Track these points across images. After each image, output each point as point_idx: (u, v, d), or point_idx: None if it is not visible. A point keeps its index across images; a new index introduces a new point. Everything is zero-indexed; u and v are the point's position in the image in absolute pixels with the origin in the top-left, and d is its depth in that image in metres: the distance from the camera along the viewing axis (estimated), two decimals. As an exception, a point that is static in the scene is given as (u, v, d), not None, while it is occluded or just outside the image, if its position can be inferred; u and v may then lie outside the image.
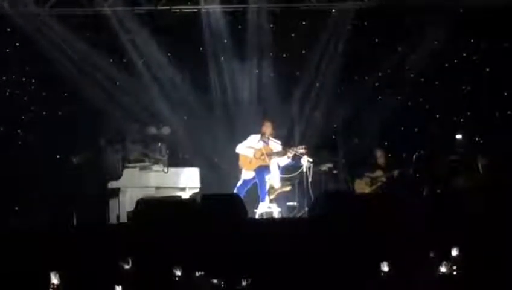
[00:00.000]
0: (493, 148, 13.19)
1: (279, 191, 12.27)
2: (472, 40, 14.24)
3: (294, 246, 8.52)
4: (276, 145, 12.15)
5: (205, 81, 14.65)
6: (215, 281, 7.68)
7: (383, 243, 8.48)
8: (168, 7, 14.31)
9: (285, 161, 12.08)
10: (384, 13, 14.00)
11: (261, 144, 12.07)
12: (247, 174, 12.09)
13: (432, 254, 8.20)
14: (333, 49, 14.48)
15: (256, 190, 11.97)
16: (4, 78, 14.17)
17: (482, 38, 14.19)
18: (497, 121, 14.16)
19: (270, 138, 12.13)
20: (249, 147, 12.10)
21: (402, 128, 14.40)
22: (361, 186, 13.07)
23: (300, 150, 11.89)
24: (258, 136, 12.15)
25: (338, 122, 14.54)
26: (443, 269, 7.83)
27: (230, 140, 13.60)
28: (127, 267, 7.95)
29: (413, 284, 7.71)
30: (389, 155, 13.49)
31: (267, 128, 12.18)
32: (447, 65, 14.33)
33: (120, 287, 7.38)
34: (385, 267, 7.84)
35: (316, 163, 12.54)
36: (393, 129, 14.33)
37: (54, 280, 7.39)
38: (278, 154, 12.04)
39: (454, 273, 7.86)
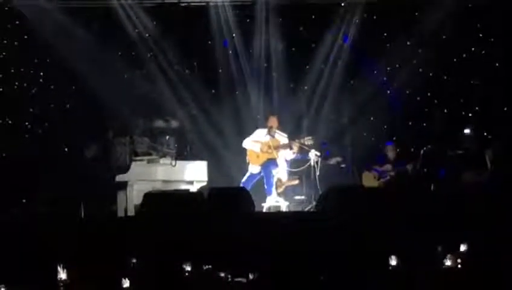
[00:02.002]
0: (502, 143, 13.16)
1: (287, 184, 12.28)
2: (481, 35, 14.20)
3: (301, 240, 8.52)
4: (282, 138, 12.16)
5: (213, 74, 14.65)
6: (222, 274, 7.68)
7: (391, 237, 8.46)
8: (176, 0, 14.32)
9: (291, 155, 12.09)
10: (394, 7, 13.99)
11: (268, 138, 12.08)
12: (254, 168, 12.10)
13: (439, 249, 8.20)
14: (342, 42, 14.50)
15: (263, 184, 11.98)
16: (12, 70, 14.20)
17: (492, 32, 14.14)
18: (506, 116, 14.10)
19: (277, 131, 12.14)
20: (255, 142, 12.11)
21: (410, 123, 14.40)
22: (369, 180, 13.07)
23: (308, 141, 11.89)
24: (265, 130, 12.16)
25: (346, 116, 14.55)
26: (448, 263, 7.82)
27: (237, 134, 13.63)
28: (134, 260, 7.95)
29: (421, 278, 7.69)
30: (398, 150, 13.51)
31: (274, 122, 12.19)
32: (455, 59, 14.30)
33: (127, 280, 7.37)
34: (393, 261, 7.84)
35: (323, 157, 12.55)
36: (402, 123, 14.34)
37: (61, 273, 7.40)
38: (285, 146, 12.04)
39: (459, 266, 7.86)
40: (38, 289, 7.41)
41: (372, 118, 14.57)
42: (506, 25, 13.87)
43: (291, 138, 12.18)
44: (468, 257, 8.01)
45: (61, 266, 7.44)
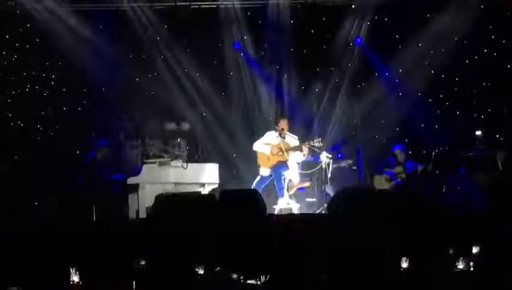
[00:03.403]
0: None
1: (298, 186, 12.26)
2: (493, 36, 14.16)
3: (313, 242, 8.50)
4: (293, 140, 12.14)
5: (224, 77, 14.66)
6: (234, 276, 7.68)
7: (403, 239, 8.44)
8: (187, 3, 14.34)
9: (302, 157, 12.07)
10: (405, 9, 13.96)
11: (278, 140, 12.06)
12: (264, 170, 12.08)
13: (451, 251, 8.18)
14: (353, 44, 14.48)
15: (275, 186, 11.97)
16: (24, 74, 14.24)
17: (504, 34, 14.09)
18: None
19: (288, 133, 12.12)
20: (266, 144, 12.09)
21: (422, 125, 14.36)
22: (381, 182, 13.07)
23: (317, 143, 11.86)
24: (276, 132, 12.14)
25: (358, 118, 14.52)
26: (460, 266, 7.80)
27: (248, 136, 13.63)
28: (145, 262, 7.96)
29: (432, 280, 7.68)
30: (410, 152, 13.52)
31: (284, 124, 12.16)
32: (467, 61, 14.26)
33: (138, 283, 7.40)
34: (405, 264, 7.83)
35: (335, 159, 12.55)
36: (414, 125, 14.30)
37: (74, 276, 7.43)
38: (296, 148, 12.02)
39: (471, 269, 7.84)
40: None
41: (383, 120, 14.55)
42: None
43: (302, 140, 12.15)
44: (480, 259, 7.99)
45: (74, 268, 7.47)
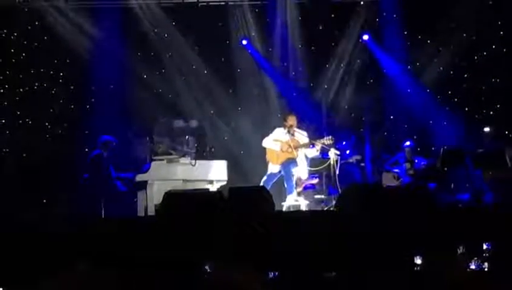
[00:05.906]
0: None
1: (306, 183, 12.24)
2: (502, 33, 14.13)
3: (321, 239, 8.49)
4: (302, 137, 12.10)
5: (231, 74, 14.65)
6: (242, 274, 7.67)
7: (411, 237, 8.43)
8: (195, 0, 14.34)
9: (313, 152, 12.04)
10: (413, 5, 13.95)
11: (287, 137, 12.03)
12: (274, 167, 12.06)
13: (462, 249, 8.15)
14: (362, 41, 14.46)
15: (283, 183, 11.95)
16: (33, 71, 14.27)
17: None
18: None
19: (296, 129, 12.09)
20: (275, 141, 12.06)
21: (431, 121, 14.34)
22: (389, 179, 13.06)
23: (328, 141, 11.84)
24: (284, 129, 12.11)
25: (366, 115, 14.52)
26: (473, 266, 7.78)
27: (256, 133, 13.62)
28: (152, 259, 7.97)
29: (447, 278, 7.66)
30: (418, 149, 13.53)
31: (292, 120, 12.13)
32: (476, 58, 14.24)
33: (148, 280, 7.40)
34: (418, 261, 7.81)
35: (343, 156, 12.55)
36: (422, 122, 14.28)
37: (82, 274, 7.44)
38: (305, 145, 12.00)
39: (486, 269, 7.80)
40: (59, 289, 7.46)
41: (392, 117, 14.54)
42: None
43: (312, 138, 12.13)
44: (493, 257, 7.96)
45: (82, 266, 7.48)
